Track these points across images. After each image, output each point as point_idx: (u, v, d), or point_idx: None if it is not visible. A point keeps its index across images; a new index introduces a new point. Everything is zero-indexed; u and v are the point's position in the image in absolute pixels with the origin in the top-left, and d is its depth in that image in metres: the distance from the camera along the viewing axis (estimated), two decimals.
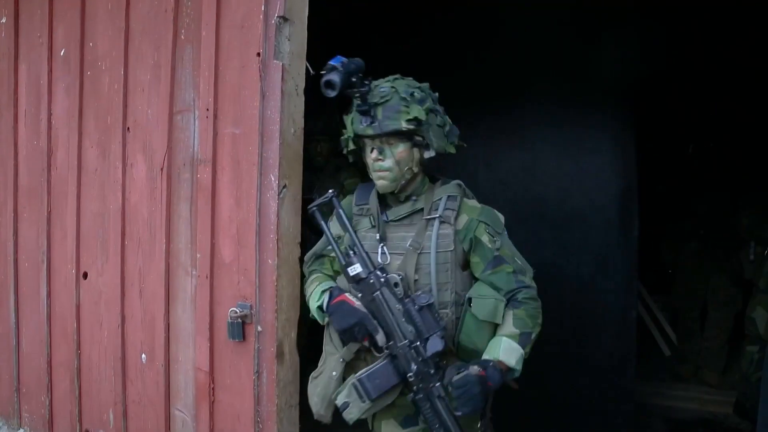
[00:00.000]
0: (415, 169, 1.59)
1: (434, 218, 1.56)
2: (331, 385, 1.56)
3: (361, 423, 1.61)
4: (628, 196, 2.69)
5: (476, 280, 1.59)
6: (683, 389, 3.73)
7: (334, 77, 1.44)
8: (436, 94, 1.61)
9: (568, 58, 2.69)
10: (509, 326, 1.51)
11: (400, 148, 1.55)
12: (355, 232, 1.59)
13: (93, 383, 2.22)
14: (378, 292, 1.50)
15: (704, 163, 3.75)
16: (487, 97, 2.74)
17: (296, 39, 1.78)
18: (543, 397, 2.84)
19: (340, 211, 1.59)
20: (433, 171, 1.68)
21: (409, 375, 1.49)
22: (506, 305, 1.53)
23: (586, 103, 2.73)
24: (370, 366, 1.53)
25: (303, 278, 1.76)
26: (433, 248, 1.55)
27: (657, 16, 2.94)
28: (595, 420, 2.76)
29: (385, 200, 1.66)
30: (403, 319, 1.49)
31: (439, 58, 2.78)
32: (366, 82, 1.53)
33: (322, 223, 1.61)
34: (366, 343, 1.53)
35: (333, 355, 1.59)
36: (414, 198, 1.62)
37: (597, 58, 2.64)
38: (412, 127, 1.51)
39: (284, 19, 1.73)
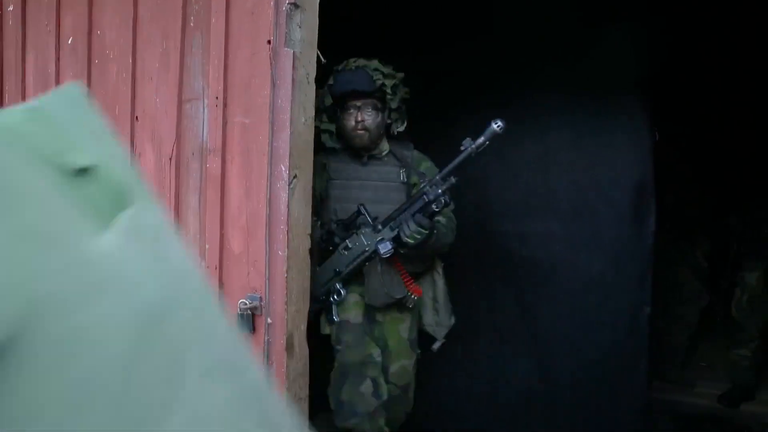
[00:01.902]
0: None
1: None
2: None
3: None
4: (643, 189, 2.63)
5: None
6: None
7: None
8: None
9: (583, 46, 2.63)
10: None
11: None
12: None
13: None
14: None
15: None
16: (499, 87, 2.68)
17: (307, 26, 1.74)
18: (553, 394, 2.81)
19: None
20: None
21: None
22: None
23: (601, 94, 2.66)
24: None
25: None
26: None
27: (676, 3, 2.88)
28: (606, 417, 2.72)
29: None
30: None
31: (451, 46, 2.74)
32: None
33: None
34: None
35: None
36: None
37: (612, 46, 2.58)
38: None
39: (295, 5, 1.70)
